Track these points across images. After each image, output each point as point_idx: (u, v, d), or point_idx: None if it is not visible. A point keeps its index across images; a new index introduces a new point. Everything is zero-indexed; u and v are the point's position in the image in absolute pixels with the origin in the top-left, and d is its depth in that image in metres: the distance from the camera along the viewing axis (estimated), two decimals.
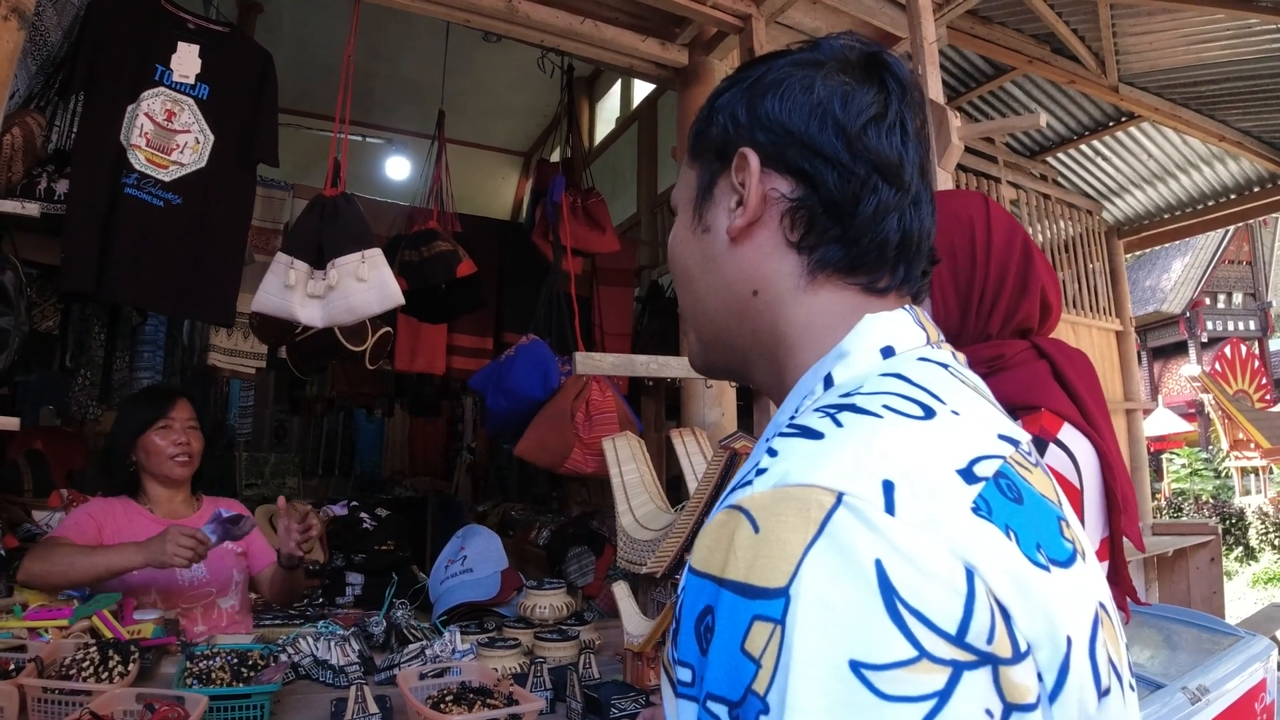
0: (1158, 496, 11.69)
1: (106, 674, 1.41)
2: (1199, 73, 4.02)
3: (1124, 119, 4.58)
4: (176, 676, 1.47)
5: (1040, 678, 0.45)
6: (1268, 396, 14.25)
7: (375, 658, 1.79)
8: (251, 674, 1.49)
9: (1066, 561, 0.50)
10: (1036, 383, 1.08)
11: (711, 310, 0.67)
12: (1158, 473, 12.52)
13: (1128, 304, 5.56)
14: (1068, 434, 1.04)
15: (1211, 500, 11.73)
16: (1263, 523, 10.73)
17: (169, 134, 2.46)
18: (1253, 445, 12.05)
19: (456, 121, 4.69)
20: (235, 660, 1.53)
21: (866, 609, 0.41)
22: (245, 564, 2.17)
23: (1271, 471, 12.20)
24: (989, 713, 0.42)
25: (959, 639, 0.42)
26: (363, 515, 3.54)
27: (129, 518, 2.05)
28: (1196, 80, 4.10)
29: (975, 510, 0.47)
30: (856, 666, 0.40)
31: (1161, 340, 15.67)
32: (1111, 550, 1.06)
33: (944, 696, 0.41)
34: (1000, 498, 0.48)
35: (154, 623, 1.78)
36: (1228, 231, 14.40)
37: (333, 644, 1.72)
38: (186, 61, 2.49)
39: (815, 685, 0.41)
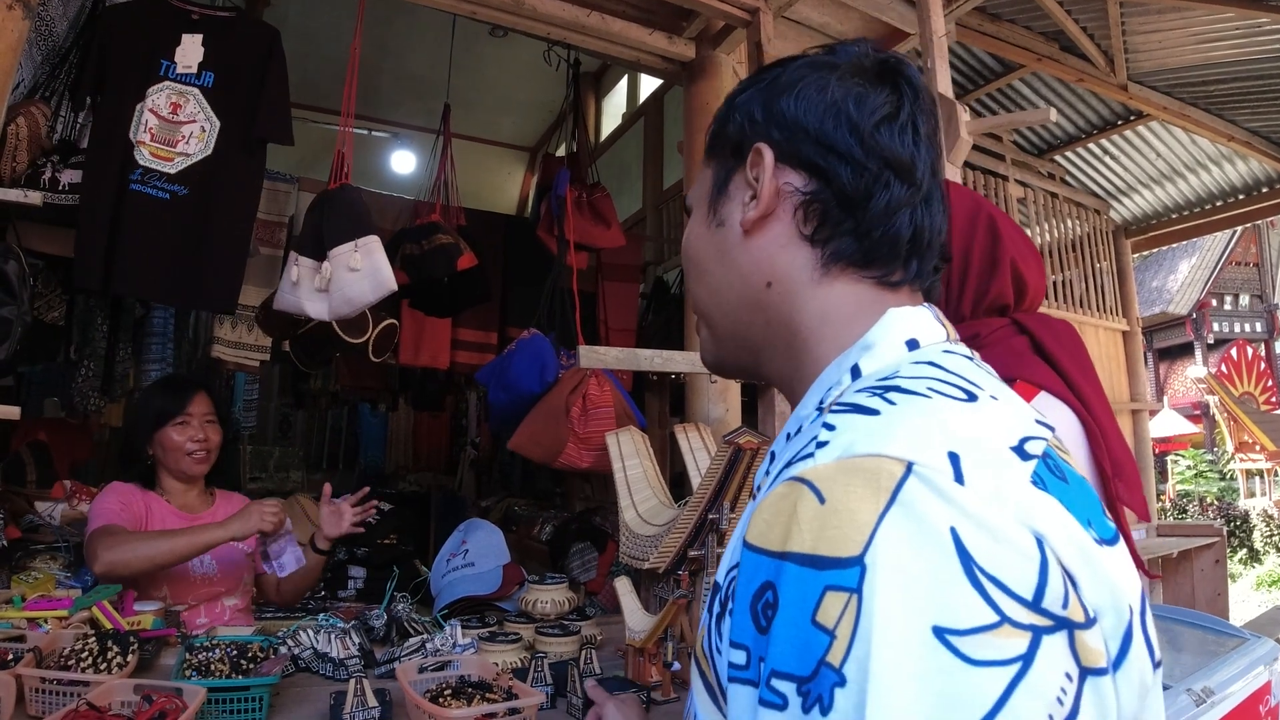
0: (1162, 498, 11.64)
1: (105, 665, 1.41)
2: (1208, 72, 3.99)
3: (1132, 118, 4.55)
4: (175, 668, 1.46)
5: (1105, 644, 0.46)
6: (1273, 399, 14.17)
7: (375, 651, 1.78)
8: (251, 666, 1.49)
9: (1112, 540, 0.51)
10: (1013, 357, 1.07)
11: (725, 303, 0.68)
12: (1163, 474, 12.46)
13: (1135, 304, 5.53)
14: (1044, 403, 1.04)
15: (1216, 502, 11.67)
16: (1267, 525, 10.68)
17: (174, 126, 2.46)
18: (1258, 447, 11.99)
19: (462, 116, 4.68)
20: (235, 652, 1.52)
21: (946, 575, 0.42)
22: (252, 566, 2.18)
23: (1277, 474, 12.13)
24: (1068, 676, 0.43)
25: (1035, 604, 0.43)
26: None
27: (148, 505, 2.05)
28: (1205, 79, 4.07)
29: (1034, 483, 0.48)
30: (940, 632, 0.41)
31: (1168, 341, 15.57)
32: None
33: (1027, 660, 0.41)
34: (1050, 476, 0.50)
35: (154, 614, 1.78)
36: (1235, 233, 14.30)
37: (333, 637, 1.72)
38: (190, 52, 2.48)
39: (900, 653, 0.40)
